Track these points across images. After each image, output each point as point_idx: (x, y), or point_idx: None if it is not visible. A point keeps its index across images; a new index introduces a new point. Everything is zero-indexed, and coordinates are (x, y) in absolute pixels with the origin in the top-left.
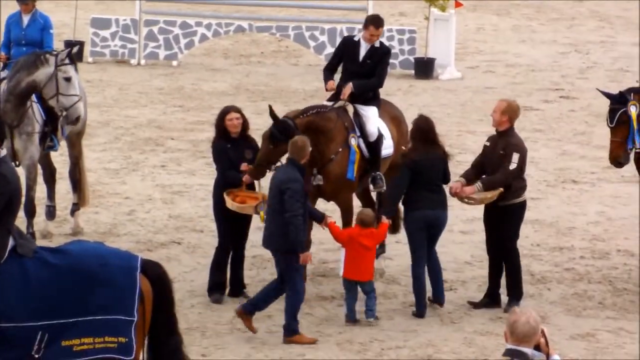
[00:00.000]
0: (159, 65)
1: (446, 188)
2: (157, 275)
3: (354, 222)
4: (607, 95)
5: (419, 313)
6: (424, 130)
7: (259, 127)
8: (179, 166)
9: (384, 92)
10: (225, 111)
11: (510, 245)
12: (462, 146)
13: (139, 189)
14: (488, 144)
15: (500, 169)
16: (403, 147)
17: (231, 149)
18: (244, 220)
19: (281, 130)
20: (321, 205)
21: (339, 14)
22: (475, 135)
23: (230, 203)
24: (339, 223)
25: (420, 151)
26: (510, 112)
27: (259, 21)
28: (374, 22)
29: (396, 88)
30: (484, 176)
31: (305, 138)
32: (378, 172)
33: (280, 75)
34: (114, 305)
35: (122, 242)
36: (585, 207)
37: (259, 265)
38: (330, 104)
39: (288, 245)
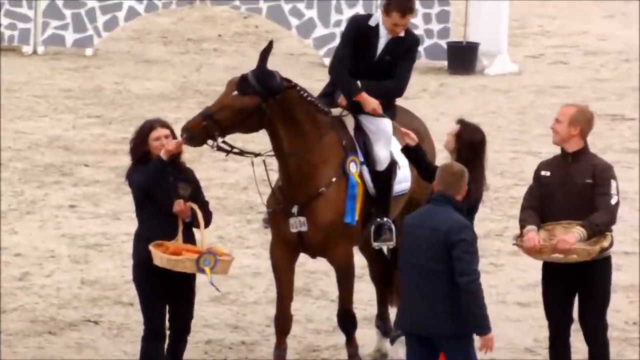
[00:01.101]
0: (66, 55)
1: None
2: None
3: None
4: None
5: None
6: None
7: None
8: (95, 206)
9: None
10: (149, 126)
11: (597, 324)
12: (520, 175)
13: (35, 241)
14: (548, 173)
15: (600, 205)
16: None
17: (157, 182)
18: (185, 287)
19: (258, 77)
20: (308, 263)
21: None
22: (539, 159)
23: (159, 257)
24: (331, 290)
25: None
26: (582, 122)
27: None
28: (400, 6)
29: (420, 88)
30: (572, 219)
31: (462, 166)
32: (386, 219)
33: (247, 69)
34: None
35: (9, 321)
36: None
37: (216, 354)
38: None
39: (462, 326)
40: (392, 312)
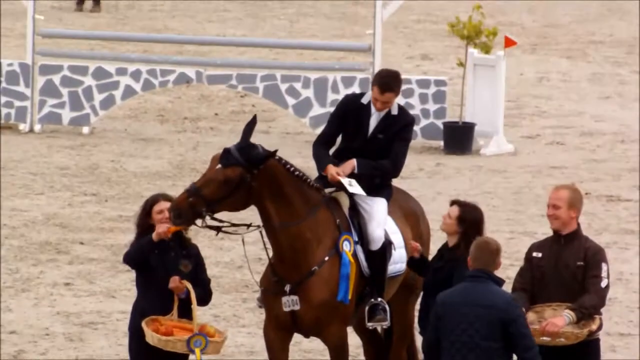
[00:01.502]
0: (62, 133)
1: None
2: None
3: None
4: None
5: None
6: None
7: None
8: (91, 284)
9: None
10: (152, 200)
11: None
12: (515, 255)
13: (30, 318)
14: (540, 254)
15: (590, 288)
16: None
17: (159, 254)
18: None
19: (242, 151)
20: (303, 342)
21: (332, 57)
22: (535, 238)
23: (149, 334)
24: None
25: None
26: (578, 203)
27: (211, 67)
28: (379, 82)
29: (416, 167)
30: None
31: (497, 242)
32: (380, 299)
33: None
34: None
35: None
36: None
37: None
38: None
39: None
40: None
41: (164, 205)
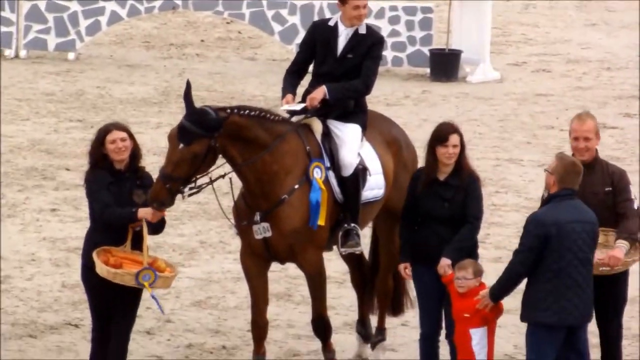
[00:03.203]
0: (48, 59)
1: None
2: None
3: None
4: None
5: None
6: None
7: None
8: (76, 210)
9: (382, 101)
10: (106, 131)
11: (617, 324)
12: (502, 182)
13: (16, 244)
14: None
15: (627, 212)
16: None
17: (114, 186)
18: (127, 297)
19: (195, 121)
20: (290, 269)
21: None
22: (521, 166)
23: (100, 267)
24: (299, 294)
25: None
26: (599, 130)
27: None
28: None
29: (402, 94)
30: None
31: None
32: (354, 225)
33: (229, 74)
34: None
35: None
36: None
37: (197, 358)
38: (287, 115)
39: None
40: (373, 318)
41: (117, 135)
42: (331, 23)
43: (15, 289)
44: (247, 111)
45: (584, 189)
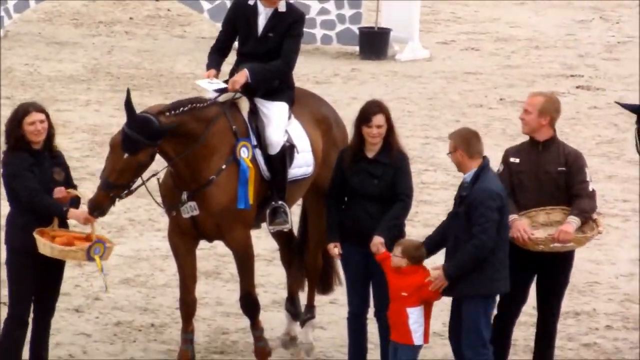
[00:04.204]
0: None
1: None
2: None
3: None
4: (632, 109)
5: None
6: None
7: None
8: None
9: (312, 80)
10: (23, 111)
11: (557, 306)
12: (430, 160)
13: None
14: (517, 160)
15: (581, 192)
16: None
17: (35, 167)
18: (57, 273)
19: (139, 130)
20: (219, 247)
21: None
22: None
23: (47, 246)
24: (228, 272)
25: None
26: (552, 111)
27: None
28: None
29: (332, 72)
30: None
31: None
32: (281, 202)
33: (158, 52)
34: None
35: None
36: (614, 252)
37: (125, 336)
38: (213, 96)
39: None
40: (302, 295)
41: (36, 116)
42: (251, 2)
43: None
44: (181, 108)
45: (537, 167)
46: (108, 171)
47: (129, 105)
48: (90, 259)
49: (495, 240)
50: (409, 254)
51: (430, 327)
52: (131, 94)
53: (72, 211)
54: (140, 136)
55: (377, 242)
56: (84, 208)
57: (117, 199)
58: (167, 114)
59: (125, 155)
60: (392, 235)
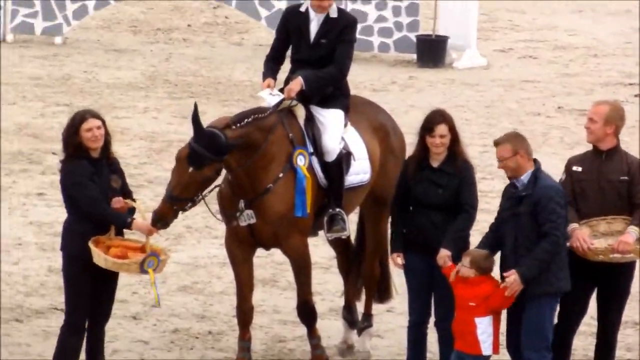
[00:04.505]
0: (35, 43)
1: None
2: None
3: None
4: None
5: None
6: None
7: (182, 137)
8: None
9: (369, 87)
10: (81, 118)
11: (617, 318)
12: (488, 169)
13: (3, 228)
14: (580, 169)
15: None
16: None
17: (94, 175)
18: (112, 281)
19: (206, 145)
20: (276, 254)
21: None
22: None
23: (101, 257)
24: (285, 280)
25: None
26: (617, 119)
27: None
28: None
29: (389, 80)
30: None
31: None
32: (339, 209)
33: (216, 59)
34: None
35: None
36: None
37: (183, 344)
38: (272, 103)
39: None
40: (359, 304)
41: (93, 123)
42: (302, 9)
43: (1, 273)
44: (245, 120)
45: (600, 176)
46: (173, 184)
47: (196, 119)
48: (143, 271)
49: (565, 236)
50: (478, 265)
51: (499, 337)
52: (189, 102)
53: (135, 222)
54: (207, 151)
55: (444, 255)
56: (139, 217)
57: (180, 212)
58: (233, 127)
59: (191, 170)
60: (458, 247)
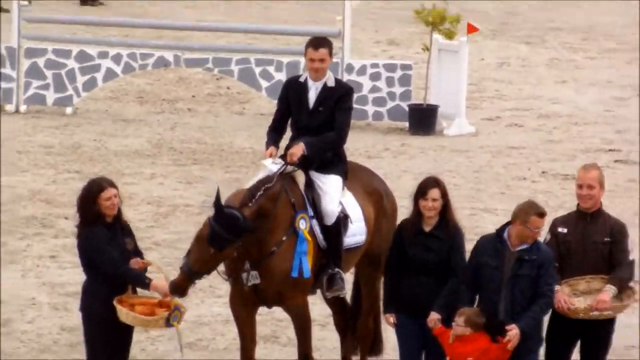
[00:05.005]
0: (47, 114)
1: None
2: None
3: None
4: None
5: None
6: None
7: (187, 201)
8: (75, 256)
9: (364, 154)
10: (99, 187)
11: None
12: (476, 230)
13: (17, 289)
14: (565, 230)
15: (621, 261)
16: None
17: (112, 240)
18: (129, 336)
19: (225, 226)
20: (276, 311)
21: (303, 41)
22: (495, 215)
23: (130, 315)
24: (286, 336)
25: None
26: (604, 183)
27: (188, 51)
28: (311, 41)
29: (383, 147)
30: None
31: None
32: (337, 269)
33: (219, 128)
34: None
35: None
36: None
37: None
38: (273, 170)
39: None
40: (354, 359)
41: (111, 192)
42: (301, 79)
43: (16, 332)
44: (258, 193)
45: (585, 237)
46: (193, 260)
47: (218, 201)
48: (169, 325)
49: None
50: (472, 322)
51: None
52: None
53: (153, 284)
54: (227, 233)
55: (434, 319)
56: (158, 275)
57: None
58: (250, 204)
59: (212, 251)
60: (448, 312)
